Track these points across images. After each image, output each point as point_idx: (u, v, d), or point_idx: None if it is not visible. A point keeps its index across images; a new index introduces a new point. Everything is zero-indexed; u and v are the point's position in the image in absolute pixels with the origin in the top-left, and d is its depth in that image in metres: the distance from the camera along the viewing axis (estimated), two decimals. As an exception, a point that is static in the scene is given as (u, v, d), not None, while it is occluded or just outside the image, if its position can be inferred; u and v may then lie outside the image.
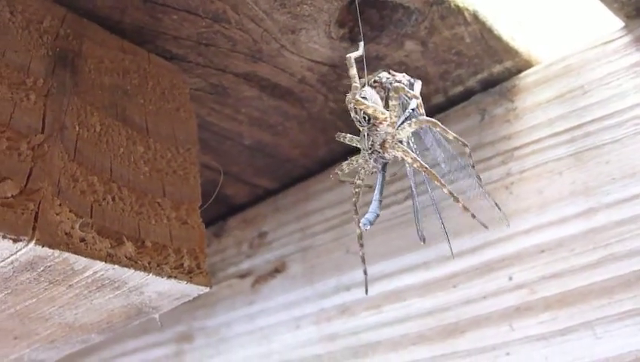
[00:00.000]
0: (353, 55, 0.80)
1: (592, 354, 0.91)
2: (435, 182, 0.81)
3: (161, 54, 0.94)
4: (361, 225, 0.79)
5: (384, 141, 0.81)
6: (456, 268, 1.05)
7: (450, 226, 1.02)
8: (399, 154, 0.82)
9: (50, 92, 0.76)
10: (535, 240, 0.98)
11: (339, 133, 0.87)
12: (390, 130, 0.81)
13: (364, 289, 1.07)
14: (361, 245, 0.87)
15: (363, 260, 0.88)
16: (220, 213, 1.42)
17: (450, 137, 0.83)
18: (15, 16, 0.78)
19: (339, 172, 0.88)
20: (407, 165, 0.84)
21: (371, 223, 0.80)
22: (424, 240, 0.84)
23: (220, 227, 1.42)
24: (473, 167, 0.88)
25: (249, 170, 1.29)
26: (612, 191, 0.94)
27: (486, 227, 0.83)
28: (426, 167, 0.80)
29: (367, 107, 0.79)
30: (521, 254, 0.99)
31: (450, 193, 0.81)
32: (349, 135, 0.86)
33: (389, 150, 0.81)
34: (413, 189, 0.87)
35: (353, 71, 0.79)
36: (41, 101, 0.75)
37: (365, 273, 0.88)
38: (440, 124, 0.81)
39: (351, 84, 0.79)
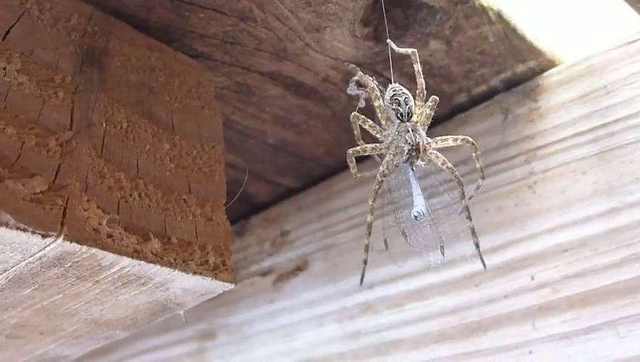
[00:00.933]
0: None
1: (614, 353, 0.91)
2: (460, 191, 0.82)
3: (188, 52, 0.95)
4: (415, 212, 0.80)
5: (426, 143, 0.82)
6: (478, 267, 1.05)
7: (473, 224, 1.03)
8: (438, 161, 0.83)
9: (77, 89, 0.77)
10: (558, 239, 0.98)
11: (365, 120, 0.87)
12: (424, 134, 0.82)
13: (387, 288, 1.08)
14: (369, 233, 0.88)
15: (367, 249, 0.88)
16: (242, 211, 1.43)
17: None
18: (43, 14, 0.79)
19: (352, 152, 0.89)
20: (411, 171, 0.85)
21: (424, 214, 0.81)
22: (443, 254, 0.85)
23: (242, 225, 1.43)
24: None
25: (272, 169, 1.29)
26: (635, 191, 0.94)
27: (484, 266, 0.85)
28: (457, 176, 0.82)
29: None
30: (544, 253, 0.99)
31: (467, 210, 0.82)
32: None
33: (427, 153, 0.82)
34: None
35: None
36: (69, 98, 0.76)
37: (365, 263, 0.88)
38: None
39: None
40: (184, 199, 0.83)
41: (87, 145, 0.74)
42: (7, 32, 0.74)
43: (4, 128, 0.68)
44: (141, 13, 0.88)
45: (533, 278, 1.00)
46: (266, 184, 1.35)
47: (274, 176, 1.32)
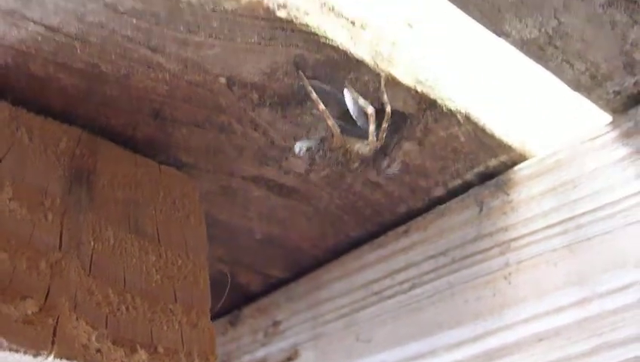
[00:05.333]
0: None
1: None
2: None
3: (172, 163, 1.00)
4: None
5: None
6: (459, 356, 1.08)
7: (452, 315, 1.07)
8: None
9: (67, 210, 0.82)
10: (533, 329, 1.02)
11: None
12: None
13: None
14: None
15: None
16: (234, 301, 1.47)
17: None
18: (33, 142, 0.84)
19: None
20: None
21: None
22: None
23: (235, 315, 1.47)
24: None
25: (261, 261, 1.34)
26: (604, 281, 0.98)
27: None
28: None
29: None
30: (520, 343, 1.03)
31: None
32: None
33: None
34: None
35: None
36: (59, 219, 0.81)
37: None
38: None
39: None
40: (170, 308, 0.87)
41: (75, 264, 0.79)
42: (0, 162, 0.79)
43: (-2, 254, 0.73)
44: (127, 131, 0.94)
45: (511, 367, 1.03)
46: (257, 275, 1.39)
47: (263, 268, 1.37)
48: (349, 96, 0.91)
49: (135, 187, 0.93)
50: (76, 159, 0.88)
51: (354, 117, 0.92)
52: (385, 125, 0.90)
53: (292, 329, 1.35)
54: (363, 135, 0.91)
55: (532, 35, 0.87)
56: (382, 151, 0.96)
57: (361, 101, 0.90)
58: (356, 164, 0.94)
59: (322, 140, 0.94)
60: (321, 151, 0.94)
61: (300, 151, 0.95)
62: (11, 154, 0.81)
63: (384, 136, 0.90)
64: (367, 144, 0.90)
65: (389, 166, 0.97)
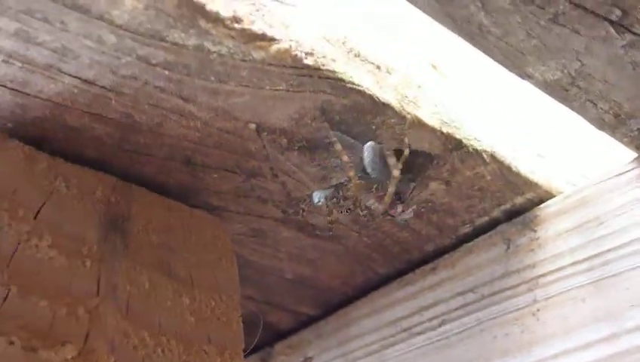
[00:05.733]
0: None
1: None
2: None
3: (204, 207, 1.03)
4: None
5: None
6: (489, 393, 1.10)
7: (481, 352, 1.08)
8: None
9: (103, 256, 0.84)
10: (562, 365, 1.03)
11: None
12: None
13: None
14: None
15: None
16: (266, 338, 1.48)
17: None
18: (70, 190, 0.87)
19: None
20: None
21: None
22: None
23: (267, 353, 1.48)
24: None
25: (291, 299, 1.36)
26: (633, 317, 0.98)
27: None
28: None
29: None
30: (550, 379, 1.04)
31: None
32: None
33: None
34: None
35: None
36: (96, 266, 0.83)
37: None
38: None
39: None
40: (204, 350, 0.89)
41: (112, 309, 0.81)
42: (39, 211, 0.82)
43: (38, 301, 0.75)
44: (160, 178, 0.97)
45: (542, 403, 1.04)
46: (287, 313, 1.41)
47: (294, 306, 1.38)
48: (369, 151, 0.94)
49: (168, 231, 0.95)
50: (111, 206, 0.90)
51: (368, 170, 0.94)
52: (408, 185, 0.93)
53: (323, 366, 1.37)
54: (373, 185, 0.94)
55: (555, 77, 0.88)
56: (397, 198, 0.98)
57: (392, 161, 0.92)
58: (365, 212, 0.96)
59: (337, 188, 0.97)
60: (335, 199, 0.96)
61: (318, 201, 0.97)
62: (50, 203, 0.84)
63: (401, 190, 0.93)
64: (382, 203, 0.92)
65: (403, 211, 0.99)
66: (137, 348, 0.82)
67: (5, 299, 0.73)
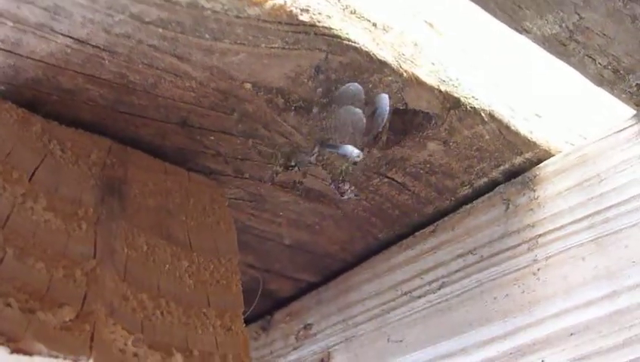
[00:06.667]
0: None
1: None
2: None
3: (201, 171, 1.02)
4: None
5: None
6: (490, 353, 1.09)
7: (482, 313, 1.08)
8: None
9: (99, 219, 0.84)
10: (563, 323, 1.03)
11: None
12: None
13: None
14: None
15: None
16: (266, 307, 1.48)
17: None
18: (65, 153, 0.86)
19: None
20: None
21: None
22: None
23: (266, 321, 1.48)
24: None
25: (291, 266, 1.35)
26: (633, 274, 0.98)
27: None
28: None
29: None
30: (551, 338, 1.03)
31: None
32: None
33: None
34: None
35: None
36: (92, 228, 0.82)
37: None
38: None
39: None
40: (204, 312, 0.88)
41: (110, 272, 0.80)
42: (33, 174, 0.81)
43: (34, 263, 0.74)
44: (156, 140, 0.96)
45: (543, 362, 1.04)
46: (287, 280, 1.40)
47: (293, 273, 1.38)
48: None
49: (166, 195, 0.94)
50: (107, 169, 0.89)
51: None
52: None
53: (323, 333, 1.36)
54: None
55: (553, 31, 0.88)
56: (341, 178, 0.98)
57: None
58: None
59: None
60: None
61: (357, 156, 0.97)
62: (44, 166, 0.83)
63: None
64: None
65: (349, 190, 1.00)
66: (136, 311, 0.82)
67: (1, 261, 0.73)
